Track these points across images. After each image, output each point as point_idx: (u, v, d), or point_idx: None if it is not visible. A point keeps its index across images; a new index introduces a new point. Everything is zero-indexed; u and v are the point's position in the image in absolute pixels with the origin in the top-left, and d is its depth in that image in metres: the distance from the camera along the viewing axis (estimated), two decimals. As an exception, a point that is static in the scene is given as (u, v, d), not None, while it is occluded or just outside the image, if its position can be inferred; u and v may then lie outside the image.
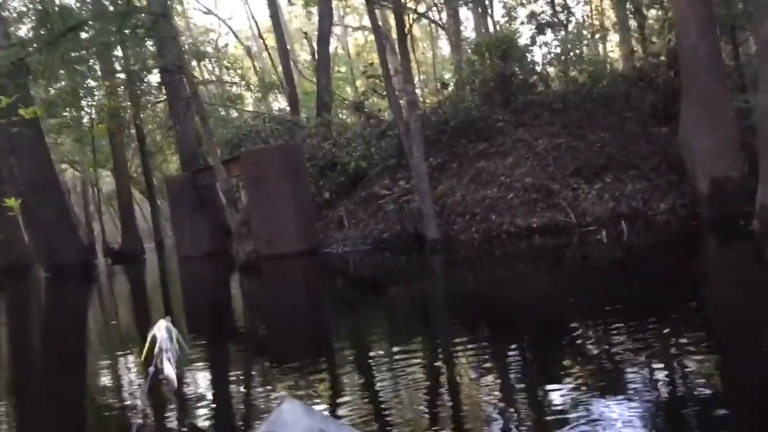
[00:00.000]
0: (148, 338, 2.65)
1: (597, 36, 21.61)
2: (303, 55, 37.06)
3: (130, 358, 6.55)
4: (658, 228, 11.44)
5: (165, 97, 23.48)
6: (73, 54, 15.95)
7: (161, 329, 2.70)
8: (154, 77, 24.62)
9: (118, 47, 20.14)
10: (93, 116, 27.20)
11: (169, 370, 2.62)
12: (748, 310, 5.51)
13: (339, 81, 32.79)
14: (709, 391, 3.77)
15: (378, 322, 7.46)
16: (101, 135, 26.87)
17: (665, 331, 5.14)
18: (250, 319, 8.82)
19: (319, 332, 7.16)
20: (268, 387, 4.91)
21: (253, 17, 53.76)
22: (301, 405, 2.53)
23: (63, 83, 20.90)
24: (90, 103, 26.02)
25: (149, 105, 26.39)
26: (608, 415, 3.46)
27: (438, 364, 5.15)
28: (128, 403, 4.94)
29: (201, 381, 5.40)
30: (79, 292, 15.74)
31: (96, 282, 17.89)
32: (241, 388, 5.05)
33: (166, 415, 4.45)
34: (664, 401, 3.61)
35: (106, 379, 5.94)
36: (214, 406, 4.66)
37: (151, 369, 2.68)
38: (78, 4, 17.24)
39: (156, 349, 2.65)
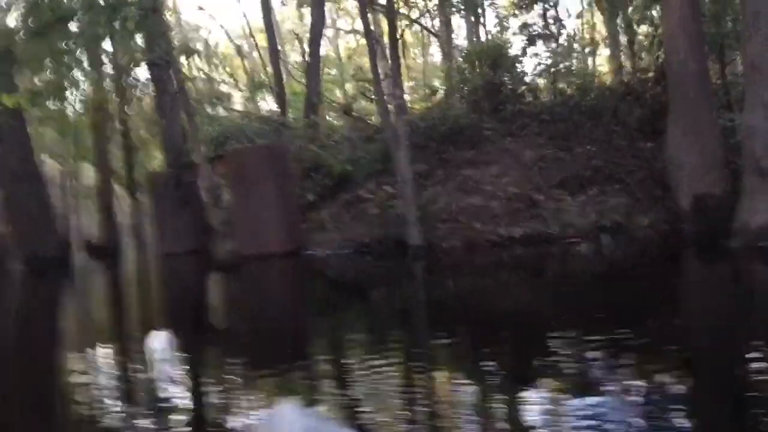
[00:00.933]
0: (149, 347, 2.69)
1: (587, 50, 21.69)
2: (293, 56, 36.91)
3: (103, 354, 6.43)
4: (640, 242, 11.47)
5: (152, 91, 23.29)
6: (61, 45, 15.79)
7: (160, 340, 2.77)
8: (142, 71, 24.40)
9: (107, 40, 19.98)
10: (78, 109, 26.90)
11: (166, 376, 2.69)
12: (725, 327, 5.53)
13: (328, 83, 32.65)
14: (682, 406, 3.76)
15: (357, 327, 7.39)
16: (85, 128, 26.55)
17: (641, 345, 5.14)
18: (226, 321, 8.72)
19: (298, 336, 7.07)
20: (245, 391, 4.84)
21: (245, 16, 53.62)
22: (298, 405, 2.66)
23: (49, 74, 20.66)
24: (76, 96, 25.75)
25: (136, 99, 26.14)
26: (583, 426, 3.44)
27: (417, 371, 5.11)
28: (104, 404, 4.82)
29: (176, 385, 5.30)
30: (56, 287, 15.51)
31: (73, 278, 17.64)
32: (217, 392, 4.95)
33: (144, 420, 4.35)
34: (640, 414, 3.60)
35: (79, 378, 5.82)
36: (189, 411, 4.57)
37: (152, 373, 2.76)
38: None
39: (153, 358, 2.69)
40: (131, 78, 24.00)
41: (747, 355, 4.55)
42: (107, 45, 21.17)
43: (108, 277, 17.74)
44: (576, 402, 3.79)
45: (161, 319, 9.23)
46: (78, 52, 19.09)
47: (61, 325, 9.54)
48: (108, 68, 23.85)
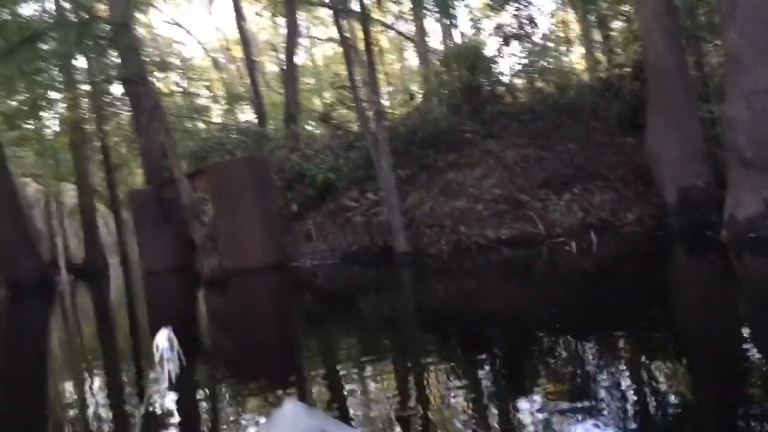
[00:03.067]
0: (153, 347, 2.66)
1: (562, 48, 21.76)
2: (271, 66, 36.77)
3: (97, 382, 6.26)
4: (627, 239, 11.44)
5: (129, 108, 23.08)
6: (32, 65, 15.57)
7: (163, 338, 2.75)
8: (119, 88, 24.16)
9: (81, 58, 19.75)
10: (55, 128, 26.62)
11: (169, 378, 2.66)
12: (715, 321, 5.50)
13: (307, 93, 32.55)
14: (675, 401, 3.75)
15: (347, 338, 7.27)
16: (63, 148, 26.25)
17: (633, 343, 5.11)
18: (215, 337, 8.55)
19: (288, 349, 6.95)
20: (235, 406, 4.76)
21: (219, 29, 53.37)
22: (303, 406, 2.62)
23: (22, 95, 20.40)
24: (52, 115, 25.47)
25: (113, 117, 25.88)
26: (575, 428, 3.42)
27: (408, 380, 5.05)
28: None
29: (166, 401, 5.17)
30: (38, 312, 15.21)
31: (56, 301, 17.34)
32: (208, 408, 4.86)
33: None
34: (631, 413, 3.59)
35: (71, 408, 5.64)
36: (179, 427, 4.48)
37: (154, 375, 2.73)
38: (38, 14, 16.86)
39: (157, 358, 2.66)
40: (107, 96, 23.73)
41: (744, 354, 4.50)
42: (81, 63, 20.99)
43: (89, 299, 17.46)
44: (569, 407, 3.74)
45: (142, 342, 9.04)
46: (51, 72, 18.89)
47: (31, 352, 9.27)
48: (83, 87, 23.60)
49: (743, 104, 8.87)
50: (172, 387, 2.72)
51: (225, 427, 4.41)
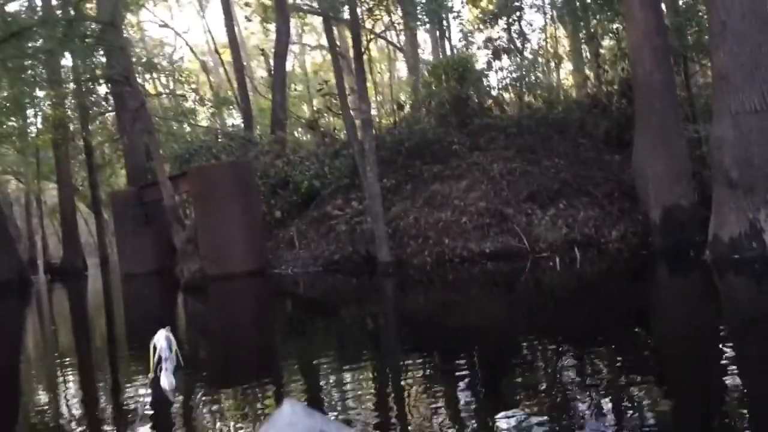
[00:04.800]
0: (150, 347, 2.60)
1: (552, 63, 21.81)
2: (260, 71, 36.62)
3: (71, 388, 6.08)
4: (611, 256, 11.39)
5: (112, 108, 22.84)
6: (17, 62, 15.33)
7: (161, 339, 2.78)
8: (105, 88, 23.88)
9: (68, 56, 19.51)
10: (38, 126, 26.25)
11: (166, 379, 2.68)
12: (692, 341, 5.51)
13: (295, 99, 32.45)
14: (649, 418, 3.72)
15: (326, 346, 7.17)
16: (45, 146, 25.89)
17: (611, 359, 5.09)
18: (192, 343, 8.37)
19: (265, 356, 6.85)
20: (211, 411, 4.59)
21: (209, 32, 53.14)
22: (302, 406, 2.62)
23: (5, 92, 20.09)
24: (36, 113, 25.13)
25: (97, 116, 25.58)
26: None
27: (387, 389, 5.02)
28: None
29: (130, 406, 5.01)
30: (10, 312, 14.92)
31: (29, 301, 17.00)
32: (184, 413, 4.70)
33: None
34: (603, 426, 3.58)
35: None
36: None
37: (151, 375, 2.88)
38: (24, 10, 16.65)
39: (155, 358, 2.66)
40: (92, 95, 23.45)
41: (719, 374, 4.44)
42: (67, 61, 20.76)
43: (66, 300, 17.16)
44: (540, 421, 3.70)
45: (117, 344, 8.86)
46: (36, 69, 18.63)
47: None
48: (69, 85, 23.31)
49: (730, 124, 8.86)
50: (169, 386, 2.69)
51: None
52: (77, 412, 5.09)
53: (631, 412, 3.85)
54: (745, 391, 4.09)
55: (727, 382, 4.29)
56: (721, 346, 5.29)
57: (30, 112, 24.34)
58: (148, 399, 4.37)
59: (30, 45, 15.61)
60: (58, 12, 16.07)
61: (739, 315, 6.59)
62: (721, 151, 8.98)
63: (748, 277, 8.30)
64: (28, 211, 34.96)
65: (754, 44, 8.80)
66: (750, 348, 5.09)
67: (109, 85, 20.80)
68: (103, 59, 19.18)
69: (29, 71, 17.86)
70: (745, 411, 3.76)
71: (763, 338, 5.34)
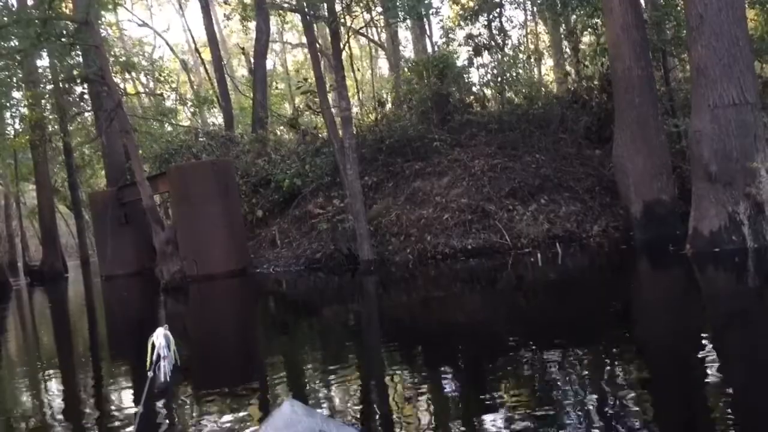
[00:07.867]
0: (148, 345, 2.67)
1: (532, 59, 21.81)
2: (241, 70, 36.38)
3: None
4: (592, 251, 11.41)
5: (91, 108, 22.55)
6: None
7: (159, 337, 2.76)
8: (82, 88, 23.56)
9: (44, 56, 19.23)
10: (16, 127, 25.85)
11: (164, 377, 2.69)
12: (671, 334, 5.53)
13: (276, 98, 32.22)
14: (636, 411, 3.71)
15: (308, 345, 7.12)
16: (22, 147, 25.50)
17: (593, 353, 5.07)
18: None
19: (247, 357, 6.80)
20: (194, 413, 4.63)
21: (189, 30, 52.79)
22: (301, 405, 2.62)
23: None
24: (12, 114, 24.73)
25: (75, 117, 25.23)
26: None
27: (371, 387, 4.99)
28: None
29: (121, 409, 5.02)
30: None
31: (8, 305, 16.73)
32: (166, 414, 4.69)
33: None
34: (585, 421, 3.58)
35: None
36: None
37: (150, 374, 2.72)
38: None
39: (154, 356, 2.68)
40: (70, 95, 23.12)
41: (697, 366, 4.44)
42: (43, 62, 20.47)
43: (44, 303, 16.92)
44: (522, 415, 3.71)
45: (96, 347, 8.73)
46: (12, 70, 18.33)
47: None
48: (46, 86, 22.97)
49: (709, 118, 8.88)
50: (167, 385, 2.72)
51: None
52: (60, 416, 5.05)
53: (612, 406, 3.82)
54: (725, 382, 4.09)
55: (707, 373, 4.29)
56: (701, 338, 5.30)
57: (7, 113, 23.96)
58: (143, 398, 4.33)
59: (4, 45, 15.39)
60: (34, 11, 15.77)
61: (719, 308, 6.60)
62: (700, 145, 9.00)
63: (728, 270, 8.32)
64: (7, 213, 34.48)
65: (731, 38, 8.82)
66: (730, 340, 5.11)
67: (86, 85, 20.53)
68: (80, 59, 18.95)
69: (5, 72, 17.60)
70: (724, 401, 3.77)
71: (743, 331, 5.36)
